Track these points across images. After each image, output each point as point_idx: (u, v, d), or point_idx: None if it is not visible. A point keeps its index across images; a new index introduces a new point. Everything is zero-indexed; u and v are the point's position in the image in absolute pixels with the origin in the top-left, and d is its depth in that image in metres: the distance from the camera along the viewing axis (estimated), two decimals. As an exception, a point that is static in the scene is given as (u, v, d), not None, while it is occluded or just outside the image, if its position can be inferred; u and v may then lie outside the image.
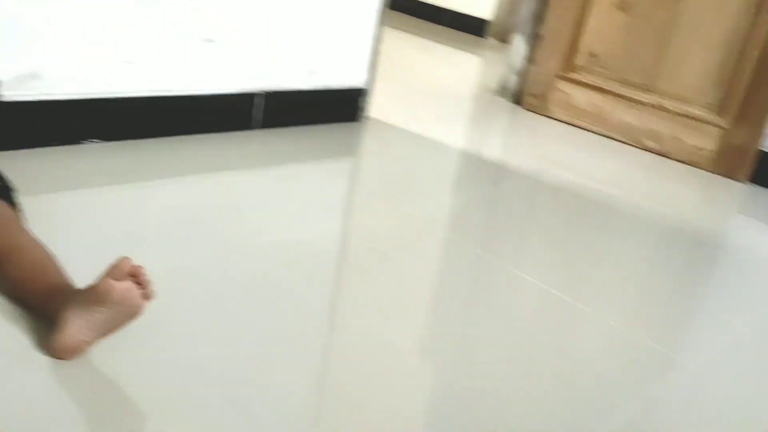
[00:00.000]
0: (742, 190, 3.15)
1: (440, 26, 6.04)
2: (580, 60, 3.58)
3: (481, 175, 2.84)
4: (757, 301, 2.14)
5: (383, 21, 2.82)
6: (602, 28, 3.49)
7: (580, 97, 3.57)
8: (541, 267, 2.06)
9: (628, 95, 3.44)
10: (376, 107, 2.99)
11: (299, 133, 2.69)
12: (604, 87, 3.50)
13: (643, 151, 3.41)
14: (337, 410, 1.32)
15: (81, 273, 1.29)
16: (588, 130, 3.56)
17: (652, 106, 3.38)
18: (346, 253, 1.94)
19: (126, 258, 1.20)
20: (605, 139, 3.50)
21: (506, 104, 3.84)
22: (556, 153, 3.30)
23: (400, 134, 3.01)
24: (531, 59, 3.72)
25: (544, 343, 1.67)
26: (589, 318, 1.83)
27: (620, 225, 2.55)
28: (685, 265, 2.35)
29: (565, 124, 3.64)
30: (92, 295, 1.17)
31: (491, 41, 5.95)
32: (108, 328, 1.21)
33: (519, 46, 3.79)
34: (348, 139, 2.84)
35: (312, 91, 2.68)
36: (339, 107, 2.84)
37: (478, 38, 5.99)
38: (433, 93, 3.83)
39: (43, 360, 1.19)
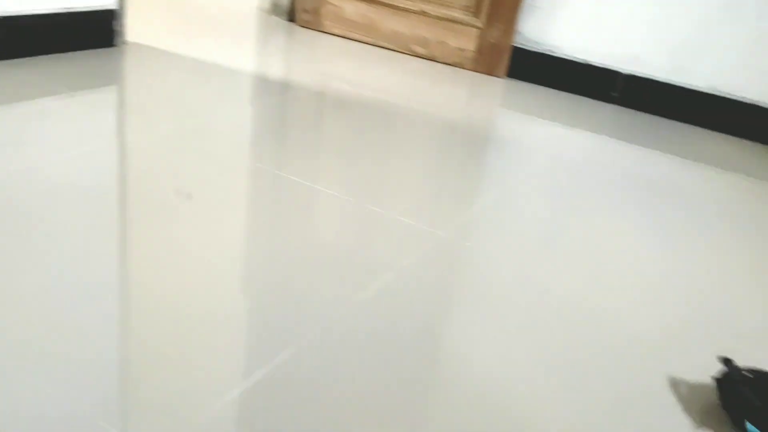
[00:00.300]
0: (502, 85, 3.41)
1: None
2: (346, -28, 3.61)
3: (261, 94, 2.80)
4: (521, 180, 2.35)
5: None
6: (363, -62, 3.53)
7: (350, 9, 3.61)
8: (335, 178, 2.11)
9: (394, 3, 3.54)
10: (136, 30, 2.82)
11: (45, 62, 2.46)
12: (371, -3, 3.57)
13: (414, 57, 3.55)
14: (142, 353, 1.28)
15: None
16: (361, 42, 3.63)
17: (417, 12, 3.51)
18: (132, 193, 1.85)
19: None
20: (378, 48, 3.60)
21: (280, 22, 3.80)
22: (334, 66, 3.34)
23: (166, 58, 2.87)
24: (299, -26, 3.68)
25: (346, 246, 1.72)
26: (384, 217, 1.91)
27: (401, 129, 2.66)
28: (462, 158, 2.51)
29: (340, 38, 3.68)
30: None
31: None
32: None
33: (285, -39, 3.73)
34: (105, 67, 2.66)
35: (52, 14, 2.45)
36: (89, 31, 2.64)
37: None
38: (200, 14, 3.68)
39: None
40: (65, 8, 2.50)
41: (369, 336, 1.40)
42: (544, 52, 3.41)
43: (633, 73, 3.27)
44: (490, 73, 3.46)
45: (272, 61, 3.39)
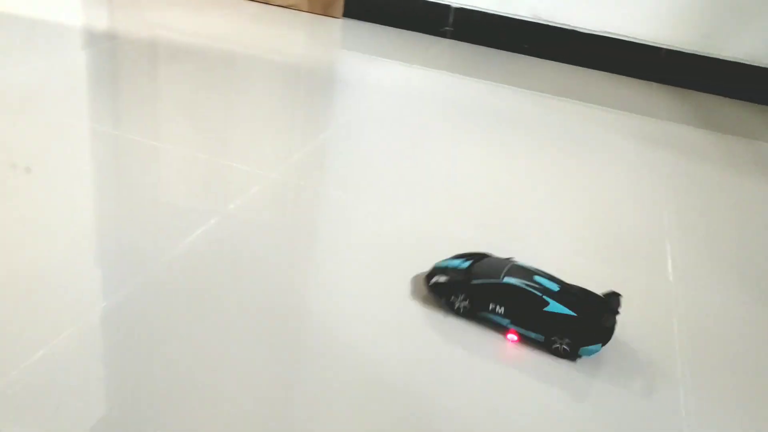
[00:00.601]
0: (339, 26, 3.41)
1: None
2: None
3: (84, 46, 2.62)
4: (361, 118, 2.37)
5: None
6: None
7: (176, -47, 3.44)
8: (171, 131, 2.03)
9: (222, -54, 3.41)
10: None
11: None
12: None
13: (247, 2, 3.46)
14: None
15: None
16: (192, -12, 3.48)
17: (247, -46, 3.40)
18: None
19: None
20: (210, -6, 3.47)
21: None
22: (162, 14, 3.18)
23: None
24: None
25: (175, 197, 1.67)
26: (216, 164, 1.86)
27: (240, 76, 2.59)
28: (302, 100, 2.49)
29: (169, -15, 3.51)
30: None
31: None
32: None
33: None
34: None
35: None
36: None
37: None
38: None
39: None
40: None
41: (191, 278, 1.40)
42: (378, -10, 3.42)
43: (463, 6, 3.36)
44: (326, 14, 3.44)
45: (92, 10, 3.18)
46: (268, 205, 1.72)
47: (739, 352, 1.44)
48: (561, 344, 1.32)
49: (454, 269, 1.44)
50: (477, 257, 1.49)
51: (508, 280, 1.37)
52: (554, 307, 1.33)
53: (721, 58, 3.05)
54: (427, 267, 1.52)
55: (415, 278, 1.51)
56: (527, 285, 1.36)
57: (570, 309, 1.33)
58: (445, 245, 1.64)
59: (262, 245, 1.55)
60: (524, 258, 1.60)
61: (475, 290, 1.38)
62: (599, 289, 1.45)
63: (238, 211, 1.66)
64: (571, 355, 1.32)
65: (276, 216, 1.68)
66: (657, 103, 2.89)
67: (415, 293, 1.46)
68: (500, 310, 1.35)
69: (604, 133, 2.49)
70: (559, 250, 1.70)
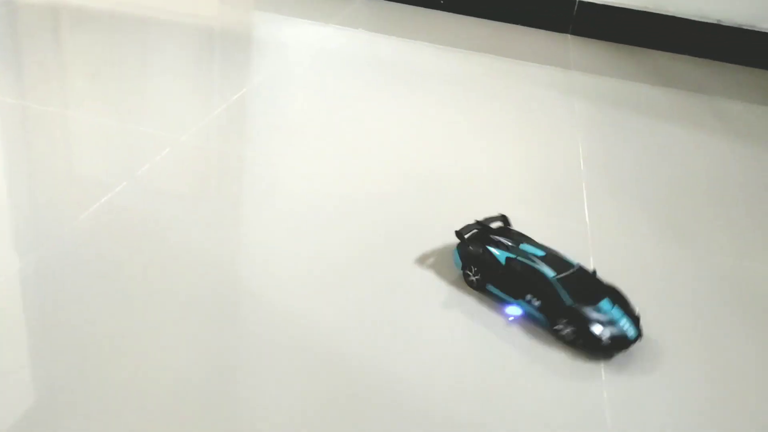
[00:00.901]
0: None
1: None
2: None
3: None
4: (276, 77, 2.29)
5: None
6: None
7: None
8: (85, 100, 1.92)
9: None
10: None
11: None
12: None
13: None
14: None
15: None
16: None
17: None
18: None
19: None
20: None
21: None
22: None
23: None
24: None
25: (82, 165, 1.57)
26: (123, 129, 1.77)
27: (153, 40, 2.46)
28: (219, 61, 2.39)
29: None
30: None
31: None
32: None
33: None
34: None
35: None
36: None
37: None
38: None
39: None
40: None
41: (98, 245, 1.33)
42: (290, -52, 3.31)
43: (378, -37, 3.29)
44: (237, -25, 3.31)
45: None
46: (178, 168, 1.65)
47: (650, 288, 1.48)
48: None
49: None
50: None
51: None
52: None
53: (626, 7, 3.12)
54: (354, 226, 1.50)
55: (346, 236, 1.48)
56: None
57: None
58: (370, 202, 1.62)
59: (173, 209, 1.49)
60: (450, 208, 1.60)
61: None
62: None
63: (146, 175, 1.59)
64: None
65: (187, 179, 1.62)
66: (572, 55, 2.93)
67: (347, 252, 1.43)
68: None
69: (522, 85, 2.50)
70: (482, 198, 1.70)
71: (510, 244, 1.38)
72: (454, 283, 1.38)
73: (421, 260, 1.44)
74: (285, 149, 1.82)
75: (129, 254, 1.33)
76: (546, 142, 2.09)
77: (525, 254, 1.34)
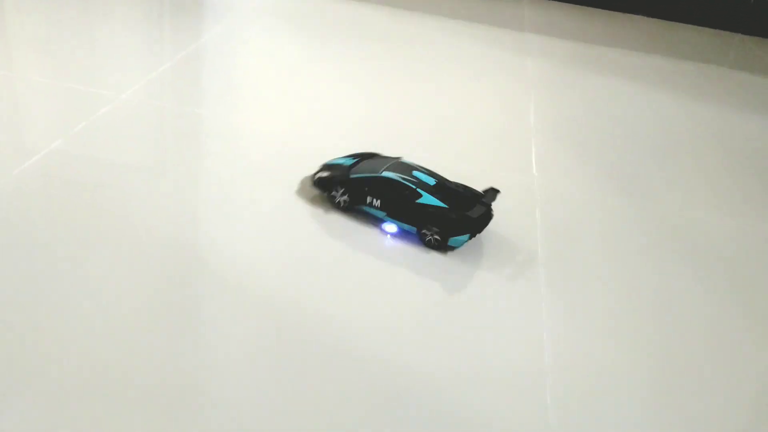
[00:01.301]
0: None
1: None
2: None
3: None
4: (225, 34, 2.23)
5: None
6: None
7: None
8: (22, 60, 1.86)
9: None
10: None
11: None
12: None
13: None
14: None
15: None
16: None
17: None
18: None
19: None
20: None
21: None
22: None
23: None
24: None
25: (47, 125, 1.51)
26: (58, 87, 1.71)
27: (104, 3, 2.36)
28: (164, 20, 2.32)
29: None
30: None
31: None
32: None
33: None
34: None
35: None
36: None
37: None
38: None
39: None
40: None
41: (29, 204, 1.29)
42: None
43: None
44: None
45: None
46: (117, 126, 1.60)
47: (594, 236, 1.49)
48: (432, 235, 1.34)
49: (339, 166, 1.44)
50: (366, 156, 1.49)
51: (385, 174, 1.38)
52: (426, 199, 1.34)
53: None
54: (302, 174, 1.48)
55: (298, 184, 1.46)
56: (402, 178, 1.37)
57: (441, 201, 1.34)
58: (318, 153, 1.59)
59: (110, 165, 1.45)
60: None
61: (353, 184, 1.38)
62: (477, 186, 1.45)
63: (83, 133, 1.54)
64: (442, 246, 1.34)
65: (126, 136, 1.57)
66: (527, 17, 2.92)
67: (298, 196, 1.41)
68: (377, 203, 1.37)
69: (475, 46, 2.49)
70: (433, 153, 1.69)
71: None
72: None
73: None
74: (229, 105, 1.78)
75: (64, 209, 1.29)
76: (497, 99, 2.08)
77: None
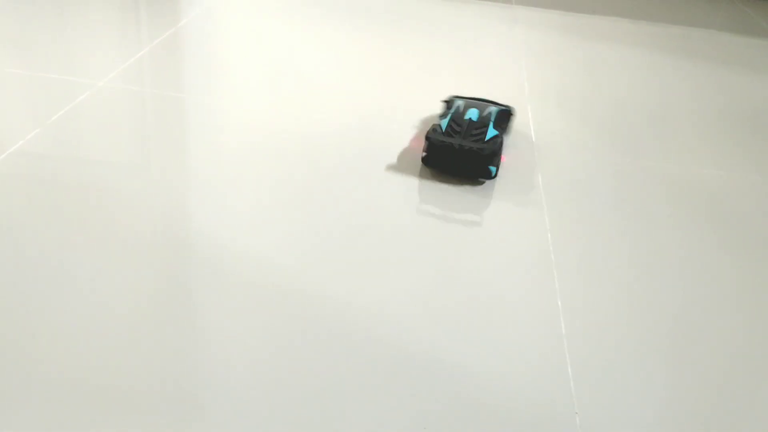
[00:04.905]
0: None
1: None
2: None
3: None
4: (198, 21, 2.16)
5: None
6: None
7: None
8: (5, 51, 1.78)
9: None
10: None
11: None
12: None
13: None
14: None
15: None
16: None
17: None
18: None
19: None
20: None
21: None
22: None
23: None
24: None
25: (23, 115, 1.43)
26: (32, 77, 1.63)
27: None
28: (146, 7, 2.24)
29: None
30: None
31: None
32: None
33: None
34: None
35: None
36: None
37: None
38: None
39: None
40: None
41: (8, 192, 1.22)
42: None
43: None
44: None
45: None
46: (96, 113, 1.53)
47: (599, 197, 1.44)
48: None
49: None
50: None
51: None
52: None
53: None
54: (291, 157, 1.42)
55: (288, 166, 1.39)
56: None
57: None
58: (309, 134, 1.53)
59: (90, 154, 1.38)
60: (392, 138, 1.52)
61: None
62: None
63: (60, 122, 1.47)
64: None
65: (105, 123, 1.50)
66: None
67: (290, 180, 1.35)
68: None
69: (463, 18, 2.43)
70: (423, 129, 1.63)
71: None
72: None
73: (367, 181, 1.36)
74: (211, 88, 1.71)
75: (43, 204, 1.22)
76: (489, 69, 2.03)
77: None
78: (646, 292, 1.17)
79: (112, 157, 1.39)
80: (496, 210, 1.36)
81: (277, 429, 0.85)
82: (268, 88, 1.76)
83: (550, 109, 1.81)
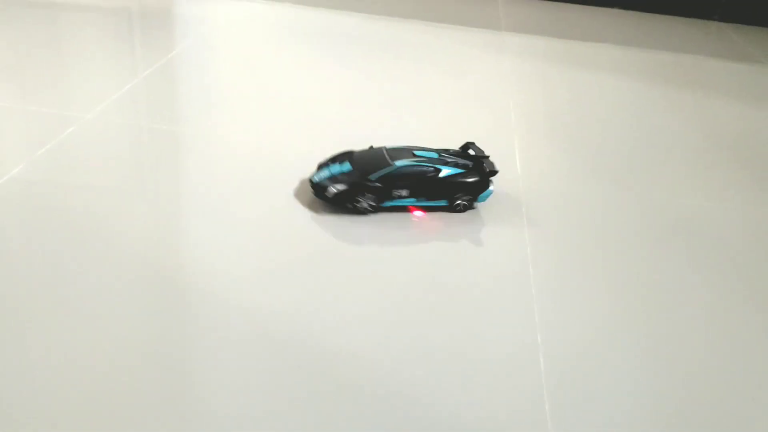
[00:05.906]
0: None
1: None
2: None
3: None
4: (184, 54, 2.18)
5: None
6: None
7: None
8: None
9: None
10: None
11: None
12: None
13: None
14: None
15: None
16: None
17: None
18: None
19: None
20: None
21: None
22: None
23: None
24: None
25: (8, 150, 1.44)
26: (19, 110, 1.65)
27: (72, 24, 2.29)
28: (134, 39, 2.26)
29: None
30: None
31: None
32: None
33: None
34: None
35: None
36: None
37: None
38: None
39: None
40: None
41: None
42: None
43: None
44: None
45: None
46: (83, 146, 1.54)
47: (582, 225, 1.45)
48: (462, 201, 1.42)
49: (342, 174, 1.40)
50: (347, 156, 1.46)
51: (399, 163, 1.40)
52: (445, 171, 1.41)
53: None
54: (282, 183, 1.43)
55: (279, 193, 1.40)
56: (416, 162, 1.41)
57: (456, 168, 1.42)
58: (298, 160, 1.54)
59: (76, 188, 1.38)
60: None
61: (377, 185, 1.38)
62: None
63: (46, 156, 1.48)
64: (470, 206, 1.43)
65: (92, 156, 1.51)
66: (502, 16, 2.89)
67: (281, 206, 1.35)
68: (404, 193, 1.40)
69: (453, 48, 2.45)
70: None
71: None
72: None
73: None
74: (202, 117, 1.73)
75: (33, 235, 1.23)
76: (477, 98, 2.04)
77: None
78: (628, 318, 1.17)
79: (98, 190, 1.40)
80: (481, 237, 1.37)
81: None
82: (258, 116, 1.77)
83: (537, 137, 1.82)
